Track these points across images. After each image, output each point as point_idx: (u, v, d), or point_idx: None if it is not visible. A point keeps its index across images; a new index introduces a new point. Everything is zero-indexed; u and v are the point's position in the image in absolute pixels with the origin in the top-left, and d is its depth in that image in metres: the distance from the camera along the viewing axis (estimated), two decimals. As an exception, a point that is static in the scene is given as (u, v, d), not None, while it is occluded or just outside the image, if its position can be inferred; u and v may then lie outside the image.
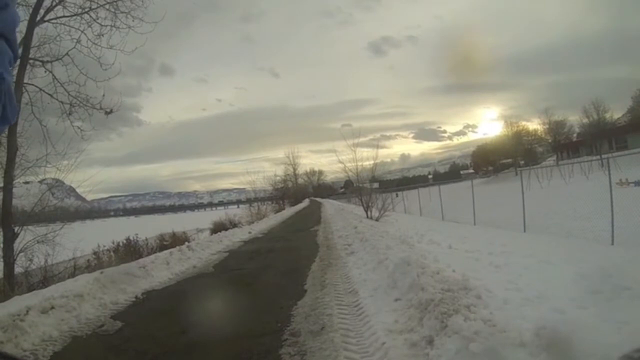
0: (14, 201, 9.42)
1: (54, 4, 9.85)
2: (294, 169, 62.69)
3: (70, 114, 10.17)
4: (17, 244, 9.03)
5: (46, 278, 9.13)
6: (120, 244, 13.68)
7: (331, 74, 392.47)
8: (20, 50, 8.02)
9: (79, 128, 10.36)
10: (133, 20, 10.30)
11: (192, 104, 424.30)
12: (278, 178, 54.30)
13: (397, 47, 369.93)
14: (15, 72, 9.37)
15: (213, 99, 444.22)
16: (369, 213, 18.71)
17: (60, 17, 9.98)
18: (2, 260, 8.80)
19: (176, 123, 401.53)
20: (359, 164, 20.42)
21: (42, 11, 9.68)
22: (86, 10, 10.01)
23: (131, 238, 14.20)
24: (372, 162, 20.72)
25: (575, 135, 59.83)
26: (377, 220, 17.24)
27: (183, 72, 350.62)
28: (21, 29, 9.46)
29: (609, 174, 9.67)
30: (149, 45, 11.15)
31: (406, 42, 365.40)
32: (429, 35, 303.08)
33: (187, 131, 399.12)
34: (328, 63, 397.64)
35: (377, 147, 23.12)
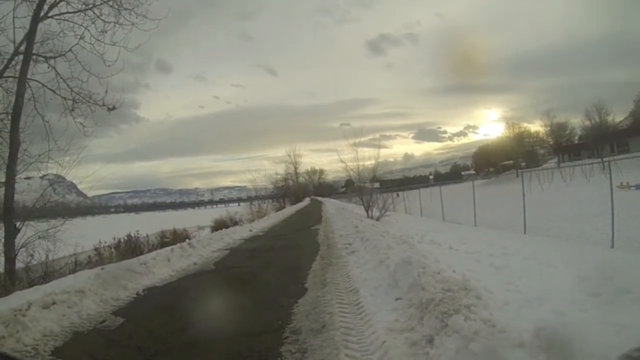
0: (16, 196, 9.44)
1: (58, 0, 9.87)
2: (295, 168, 62.84)
3: (72, 110, 10.20)
4: (19, 239, 9.06)
5: (47, 273, 9.14)
6: (121, 240, 13.68)
7: (330, 73, 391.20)
8: (23, 46, 8.10)
9: (81, 124, 10.39)
10: (136, 17, 10.34)
11: (190, 101, 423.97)
12: (279, 176, 54.43)
13: (396, 46, 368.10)
14: (18, 67, 9.42)
15: (210, 97, 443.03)
16: (369, 213, 18.70)
17: (64, 13, 10.02)
18: (3, 255, 8.83)
19: (175, 120, 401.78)
20: (360, 163, 20.40)
21: (46, 7, 9.71)
22: (90, 6, 10.03)
23: (132, 235, 14.22)
24: (373, 161, 20.72)
25: (576, 137, 59.74)
26: (377, 219, 17.21)
27: (180, 69, 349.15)
28: (25, 24, 9.51)
29: (610, 177, 9.65)
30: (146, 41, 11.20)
31: (405, 40, 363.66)
32: (429, 34, 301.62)
33: (185, 128, 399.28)
34: (327, 62, 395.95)
35: (379, 147, 23.07)
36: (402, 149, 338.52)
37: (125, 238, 13.92)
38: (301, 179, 69.87)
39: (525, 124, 67.40)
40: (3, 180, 9.23)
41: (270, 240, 13.30)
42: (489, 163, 75.72)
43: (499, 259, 7.39)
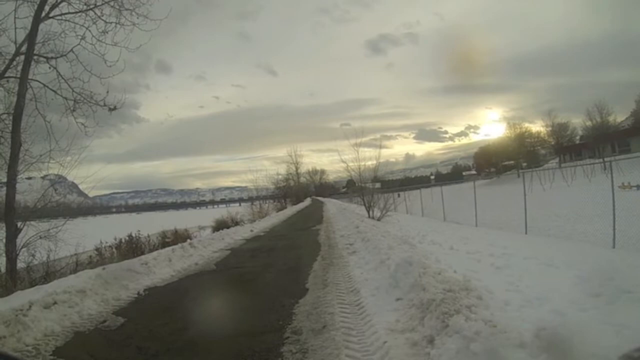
0: (17, 196, 9.45)
1: (59, 0, 9.89)
2: (296, 168, 62.77)
3: (74, 110, 10.20)
4: (20, 239, 9.08)
5: (48, 273, 9.16)
6: (122, 240, 13.72)
7: (330, 72, 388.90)
8: (25, 46, 8.11)
9: (82, 124, 10.40)
10: (137, 18, 10.35)
11: (190, 101, 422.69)
12: (280, 177, 54.48)
13: (396, 46, 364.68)
14: (20, 67, 9.43)
15: (210, 97, 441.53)
16: (370, 213, 18.70)
17: (65, 13, 10.03)
18: (4, 255, 8.84)
19: (175, 120, 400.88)
20: (362, 163, 20.40)
21: (47, 7, 9.73)
22: (91, 7, 10.04)
23: (133, 235, 14.25)
24: (374, 161, 20.73)
25: (578, 138, 59.67)
26: (378, 220, 17.23)
27: (180, 70, 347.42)
28: (26, 25, 9.52)
29: (612, 177, 9.63)
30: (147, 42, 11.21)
31: (405, 40, 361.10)
32: (429, 34, 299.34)
33: (186, 129, 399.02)
34: (326, 62, 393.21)
35: (380, 147, 23.00)
36: (403, 149, 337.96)
37: (127, 238, 13.97)
38: (302, 179, 69.80)
39: (527, 124, 67.43)
40: (4, 180, 9.25)
41: (271, 241, 13.31)
42: (490, 163, 75.80)
43: (500, 259, 7.38)
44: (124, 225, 21.25)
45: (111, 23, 10.21)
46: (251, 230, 16.94)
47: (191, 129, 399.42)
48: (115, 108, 10.54)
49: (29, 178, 10.91)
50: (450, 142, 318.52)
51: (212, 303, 5.83)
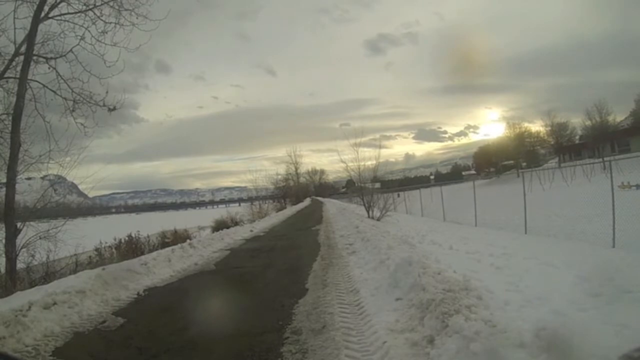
0: (17, 197, 9.44)
1: (58, 1, 9.88)
2: (296, 168, 62.74)
3: (73, 110, 10.17)
4: (20, 240, 9.06)
5: (48, 274, 9.17)
6: (122, 240, 13.71)
7: (329, 73, 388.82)
8: (24, 47, 8.09)
9: (81, 124, 10.38)
10: (137, 18, 10.31)
11: (189, 101, 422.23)
12: (279, 177, 54.46)
13: (395, 45, 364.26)
14: (19, 68, 9.42)
15: (209, 97, 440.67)
16: (370, 213, 18.70)
17: (65, 14, 10.01)
18: (4, 255, 8.84)
19: (174, 120, 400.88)
20: (361, 163, 20.42)
21: (46, 8, 9.71)
22: (90, 7, 10.02)
23: (133, 235, 14.24)
24: (374, 161, 20.74)
25: (577, 137, 59.65)
26: (378, 220, 17.24)
27: (179, 70, 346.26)
28: (25, 25, 9.51)
29: (611, 177, 9.65)
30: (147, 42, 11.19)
31: (405, 40, 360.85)
32: (429, 33, 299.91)
33: (185, 129, 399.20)
34: (326, 62, 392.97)
35: (379, 147, 22.99)
36: (403, 149, 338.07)
37: (126, 238, 13.96)
38: (302, 180, 69.73)
39: (526, 124, 67.22)
40: (4, 180, 9.24)
41: (271, 241, 13.30)
42: (490, 163, 75.75)
43: (500, 259, 7.39)
44: (124, 226, 21.24)
45: (110, 23, 10.19)
46: (251, 231, 16.93)
47: (191, 129, 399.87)
48: (114, 108, 10.51)
49: (29, 178, 10.91)
50: (449, 142, 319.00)
51: (212, 303, 5.83)
